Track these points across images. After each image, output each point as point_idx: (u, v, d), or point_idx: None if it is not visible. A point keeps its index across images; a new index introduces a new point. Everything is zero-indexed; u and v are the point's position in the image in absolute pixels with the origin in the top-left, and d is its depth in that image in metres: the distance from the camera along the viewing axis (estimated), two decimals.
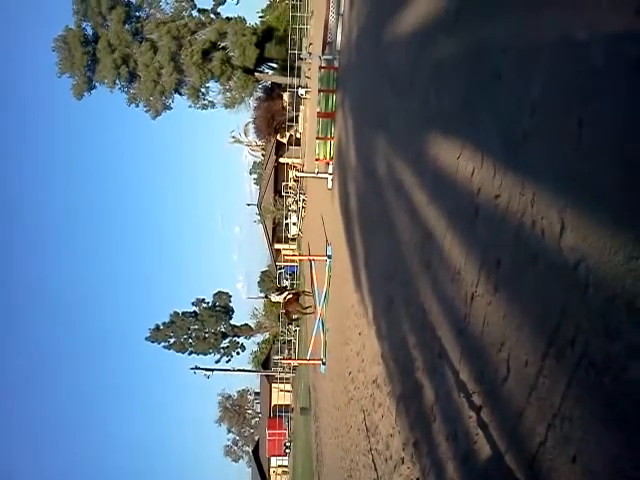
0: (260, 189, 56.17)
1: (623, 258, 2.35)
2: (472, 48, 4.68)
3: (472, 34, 4.70)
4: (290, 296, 22.63)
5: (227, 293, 68.78)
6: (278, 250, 52.25)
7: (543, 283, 3.04)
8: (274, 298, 23.82)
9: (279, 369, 45.40)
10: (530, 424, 3.02)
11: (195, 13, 50.13)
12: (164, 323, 65.12)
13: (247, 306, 72.74)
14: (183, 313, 66.01)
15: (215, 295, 68.04)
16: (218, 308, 67.21)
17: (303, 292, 24.28)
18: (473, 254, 4.20)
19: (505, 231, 3.57)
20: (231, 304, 68.42)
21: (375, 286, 9.15)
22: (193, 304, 67.04)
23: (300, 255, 25.03)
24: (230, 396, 70.75)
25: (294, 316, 26.34)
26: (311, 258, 20.59)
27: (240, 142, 63.70)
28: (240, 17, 50.20)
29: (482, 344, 3.80)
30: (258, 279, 71.86)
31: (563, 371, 2.72)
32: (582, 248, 2.67)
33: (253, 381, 66.04)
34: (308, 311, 23.35)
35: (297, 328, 41.98)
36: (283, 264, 42.88)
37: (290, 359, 36.26)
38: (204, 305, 67.14)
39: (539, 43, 3.38)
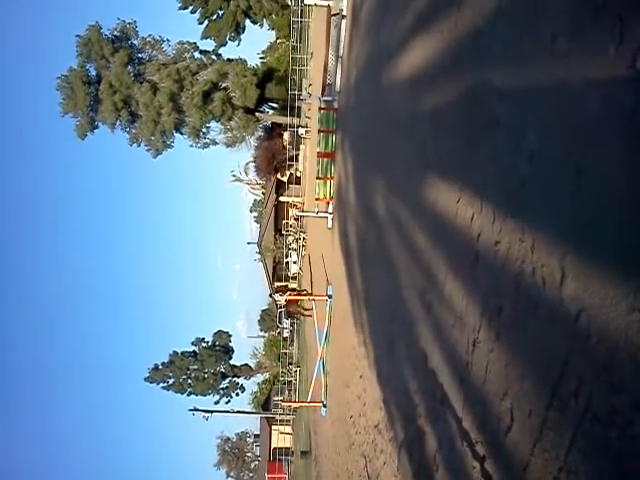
0: (260, 227, 56.24)
1: (625, 309, 2.33)
2: (470, 93, 4.74)
3: (470, 80, 4.77)
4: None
5: (227, 332, 68.24)
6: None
7: (545, 332, 3.01)
8: (277, 298, 24.66)
9: (279, 411, 44.64)
10: (535, 476, 2.96)
11: (197, 54, 51.01)
12: (163, 363, 64.42)
13: (247, 345, 72.09)
14: (182, 353, 65.33)
15: (215, 334, 67.48)
16: (218, 348, 66.56)
17: (304, 293, 25.00)
18: (474, 300, 4.18)
19: (506, 278, 3.55)
20: (231, 343, 67.75)
21: (376, 328, 9.08)
22: (193, 343, 66.42)
23: (300, 294, 24.95)
24: (229, 439, 69.37)
25: (295, 315, 27.52)
26: (312, 298, 20.50)
27: (240, 181, 63.96)
28: (241, 58, 51.07)
29: (485, 392, 3.75)
30: (258, 318, 71.41)
31: (568, 423, 2.68)
32: (583, 298, 2.65)
33: (253, 423, 64.75)
34: (307, 313, 24.10)
35: (298, 368, 41.50)
36: (284, 304, 42.63)
37: (290, 401, 35.74)
38: (204, 345, 66.51)
39: (536, 90, 3.42)
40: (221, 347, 66.76)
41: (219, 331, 67.79)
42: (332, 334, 16.74)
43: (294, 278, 47.49)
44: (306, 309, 24.20)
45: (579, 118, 2.85)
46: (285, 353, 47.15)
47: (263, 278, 55.20)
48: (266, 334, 68.72)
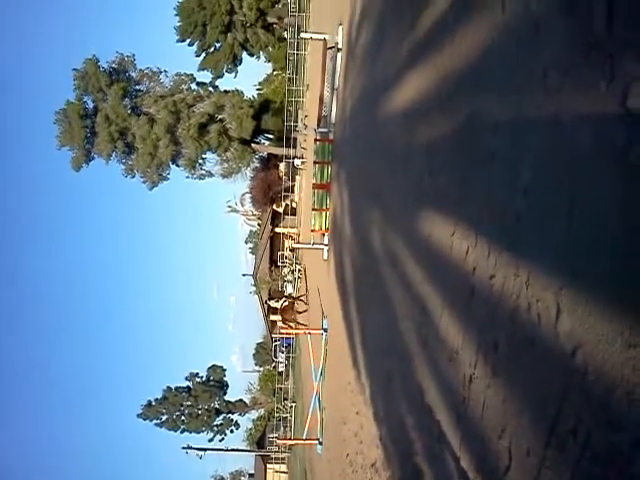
0: (256, 259, 56.21)
1: (621, 346, 2.31)
2: (464, 127, 4.77)
3: (464, 114, 4.81)
4: (286, 304, 24.93)
5: (221, 367, 67.49)
6: (274, 322, 51.71)
7: (541, 368, 2.97)
8: (273, 304, 25.55)
9: (274, 448, 43.85)
10: None
11: (194, 86, 51.60)
12: (156, 399, 63.51)
13: (242, 380, 71.30)
14: (176, 388, 64.46)
15: (209, 369, 66.71)
16: (212, 383, 65.74)
17: (299, 298, 25.40)
18: (470, 334, 4.14)
19: (501, 313, 3.53)
20: (225, 378, 67.00)
21: (372, 363, 8.99)
22: (186, 379, 65.57)
23: (296, 327, 24.79)
24: (223, 478, 67.98)
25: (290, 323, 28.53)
26: (307, 331, 20.37)
27: (236, 212, 64.10)
28: (238, 90, 51.70)
29: (482, 429, 3.69)
30: (253, 351, 70.83)
31: (566, 463, 2.63)
32: (579, 333, 2.63)
33: (247, 461, 63.53)
34: (301, 322, 25.36)
35: (293, 404, 41.00)
36: (279, 336, 42.36)
37: (286, 438, 35.21)
38: (198, 380, 65.67)
39: (529, 125, 3.44)
40: (215, 382, 65.98)
41: (213, 365, 67.10)
42: (328, 369, 16.57)
43: None
44: (301, 315, 24.35)
45: (572, 153, 2.86)
46: (280, 388, 46.63)
47: (258, 310, 54.97)
48: (261, 368, 68.13)
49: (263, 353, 65.30)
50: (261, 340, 67.05)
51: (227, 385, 66.82)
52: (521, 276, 3.30)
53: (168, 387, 64.33)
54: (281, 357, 46.95)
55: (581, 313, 2.63)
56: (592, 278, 2.62)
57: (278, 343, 44.16)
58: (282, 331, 23.89)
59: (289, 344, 44.56)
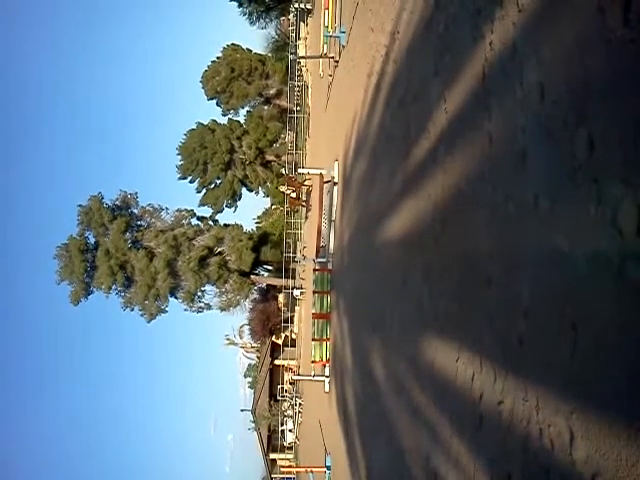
0: (255, 393, 54.65)
1: None
2: (460, 254, 4.85)
3: (458, 241, 4.91)
4: (293, 194, 33.89)
5: None
6: (274, 460, 49.31)
7: None
8: (282, 188, 30.05)
9: None
10: None
11: (194, 221, 52.97)
12: None
13: None
14: None
15: None
16: None
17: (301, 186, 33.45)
18: (482, 466, 3.95)
19: (512, 440, 3.39)
20: None
21: None
22: None
23: (297, 466, 23.62)
24: None
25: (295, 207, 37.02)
26: (309, 469, 19.39)
27: (235, 344, 63.28)
28: (237, 223, 53.06)
29: None
30: None
31: None
32: (596, 459, 2.52)
33: None
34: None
35: None
36: (279, 476, 40.26)
37: None
38: None
39: (524, 249, 3.50)
40: None
41: None
42: None
43: (290, 448, 45.25)
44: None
45: (569, 275, 2.89)
46: None
47: (257, 448, 52.60)
48: None
49: None
50: None
51: None
52: (530, 401, 3.21)
53: None
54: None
55: (596, 437, 2.54)
56: (603, 399, 2.54)
57: None
58: (283, 470, 22.63)
59: None
